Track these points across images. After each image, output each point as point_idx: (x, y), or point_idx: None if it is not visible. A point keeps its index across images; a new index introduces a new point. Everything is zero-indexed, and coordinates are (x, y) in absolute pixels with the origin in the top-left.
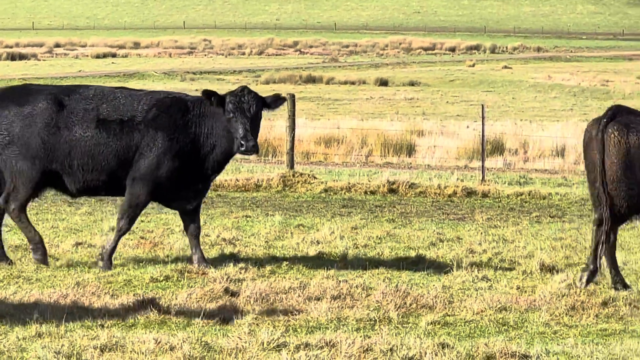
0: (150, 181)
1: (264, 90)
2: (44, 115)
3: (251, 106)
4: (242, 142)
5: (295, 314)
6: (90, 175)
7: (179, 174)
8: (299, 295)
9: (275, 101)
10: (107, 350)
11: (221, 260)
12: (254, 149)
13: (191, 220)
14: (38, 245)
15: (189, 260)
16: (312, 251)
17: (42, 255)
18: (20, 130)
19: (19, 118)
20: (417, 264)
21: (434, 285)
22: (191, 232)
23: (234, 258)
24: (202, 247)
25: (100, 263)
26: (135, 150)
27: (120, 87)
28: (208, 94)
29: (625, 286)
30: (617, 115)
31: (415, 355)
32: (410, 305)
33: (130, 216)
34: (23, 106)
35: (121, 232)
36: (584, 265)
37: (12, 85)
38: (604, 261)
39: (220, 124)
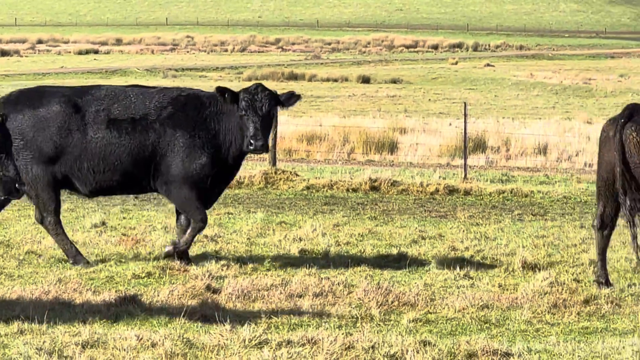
0: (187, 178)
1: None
2: (58, 118)
3: (264, 105)
4: (252, 141)
5: (277, 311)
6: (103, 176)
7: (209, 170)
8: (281, 293)
9: (289, 99)
10: (88, 346)
11: (203, 258)
12: (263, 148)
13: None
14: (77, 257)
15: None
16: (294, 248)
17: (85, 263)
18: (34, 134)
19: (33, 121)
20: (399, 261)
21: (415, 282)
22: (182, 224)
23: (216, 255)
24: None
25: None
26: (153, 150)
27: (132, 85)
28: (222, 90)
29: (608, 283)
30: (635, 114)
31: (397, 352)
32: (392, 302)
33: (196, 211)
34: (37, 109)
35: (195, 230)
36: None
37: (26, 88)
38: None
39: (235, 120)
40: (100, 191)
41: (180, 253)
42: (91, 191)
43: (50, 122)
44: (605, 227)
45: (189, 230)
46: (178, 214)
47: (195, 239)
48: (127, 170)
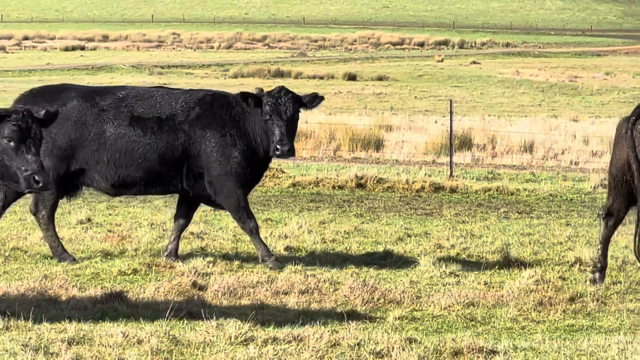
0: (229, 175)
1: (232, 85)
2: (74, 114)
3: (288, 108)
4: (278, 147)
5: (263, 308)
6: (124, 171)
7: (245, 166)
8: (267, 290)
9: (312, 100)
10: (74, 343)
11: (189, 254)
12: (289, 153)
13: (187, 213)
14: (63, 255)
15: (160, 252)
16: (280, 245)
17: (71, 260)
18: (50, 128)
19: None
20: (384, 259)
21: (401, 280)
22: (181, 224)
23: (202, 252)
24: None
25: (269, 264)
26: (183, 150)
27: (158, 86)
28: (245, 96)
29: (603, 271)
30: None
31: (382, 350)
32: (378, 300)
33: (245, 214)
34: (54, 104)
35: (254, 232)
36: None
37: (49, 85)
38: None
39: (259, 121)
40: (121, 188)
41: (263, 258)
42: (113, 185)
43: (67, 117)
44: (611, 217)
45: (250, 239)
46: (182, 212)
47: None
48: (149, 168)
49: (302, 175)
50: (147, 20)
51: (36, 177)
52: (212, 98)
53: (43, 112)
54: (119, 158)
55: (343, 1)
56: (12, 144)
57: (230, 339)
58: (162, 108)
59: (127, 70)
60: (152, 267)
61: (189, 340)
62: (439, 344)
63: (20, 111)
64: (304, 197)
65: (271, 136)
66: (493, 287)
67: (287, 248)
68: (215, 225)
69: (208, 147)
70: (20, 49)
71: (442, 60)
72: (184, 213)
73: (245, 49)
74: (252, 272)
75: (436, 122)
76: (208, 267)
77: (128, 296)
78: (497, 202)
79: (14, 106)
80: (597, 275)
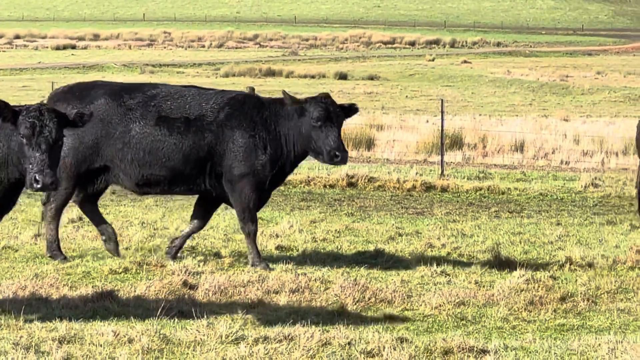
0: (249, 177)
1: (223, 84)
2: (101, 112)
3: (339, 116)
4: (337, 153)
5: (254, 307)
6: (149, 169)
7: (271, 170)
8: (258, 289)
9: (350, 111)
10: (65, 342)
11: (180, 253)
12: (345, 160)
13: (205, 215)
14: (55, 253)
15: (151, 250)
16: (270, 244)
17: (62, 259)
18: None
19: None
20: (375, 258)
21: (392, 279)
22: (197, 225)
23: (193, 251)
24: (161, 240)
25: (258, 268)
26: (209, 150)
27: (189, 85)
28: (295, 100)
29: None
30: None
31: (373, 349)
32: (369, 299)
33: (249, 218)
34: (83, 101)
35: (252, 236)
36: None
37: (80, 82)
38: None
39: (295, 126)
40: (147, 185)
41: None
42: (137, 184)
43: (94, 114)
44: None
45: (246, 241)
46: (199, 213)
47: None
48: (175, 168)
49: (293, 174)
50: (138, 19)
51: (36, 177)
52: (244, 98)
53: (74, 112)
54: (142, 157)
55: (334, 0)
56: (24, 140)
57: (221, 338)
58: (191, 108)
59: (119, 69)
60: (143, 266)
61: (179, 339)
62: (429, 343)
63: (36, 108)
64: (295, 196)
65: (322, 143)
66: (484, 287)
67: (278, 247)
68: (206, 225)
69: (235, 147)
70: (12, 48)
71: (433, 60)
72: (202, 214)
73: (236, 48)
74: (243, 271)
75: (427, 121)
76: (199, 266)
77: (119, 295)
78: (488, 201)
79: (46, 102)
80: None
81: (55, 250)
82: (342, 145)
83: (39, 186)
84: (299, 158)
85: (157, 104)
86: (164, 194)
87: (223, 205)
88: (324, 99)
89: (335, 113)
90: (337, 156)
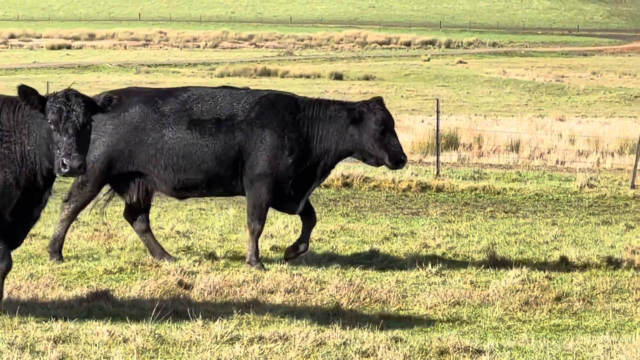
0: (269, 177)
1: (218, 84)
2: (135, 120)
3: (392, 120)
4: (403, 158)
5: (249, 307)
6: (182, 176)
7: (294, 172)
8: (253, 289)
9: None
10: (60, 341)
11: (175, 253)
12: (405, 163)
13: (309, 214)
14: (54, 252)
15: (145, 251)
16: (266, 245)
17: (58, 259)
18: (111, 131)
19: (113, 120)
20: (370, 258)
21: (387, 279)
22: (311, 223)
23: (188, 251)
24: (158, 240)
25: (253, 268)
26: (239, 149)
27: (222, 86)
28: (351, 105)
29: None
30: None
31: (368, 349)
32: (364, 299)
33: (258, 216)
34: (117, 109)
35: (255, 234)
36: None
37: (115, 90)
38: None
39: (340, 128)
40: (185, 189)
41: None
42: (174, 189)
43: (128, 122)
44: None
45: (249, 238)
46: (305, 215)
47: (259, 242)
48: (209, 170)
49: None
50: (134, 19)
51: (64, 161)
52: (275, 97)
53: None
54: (176, 162)
55: (329, 0)
56: (52, 126)
57: (216, 338)
58: (222, 109)
59: (114, 69)
60: (138, 266)
61: (174, 339)
62: (424, 343)
63: (63, 94)
64: None
65: (386, 147)
66: (479, 287)
67: (273, 247)
68: (201, 225)
69: (262, 146)
70: (7, 48)
71: (428, 60)
72: (307, 214)
73: (231, 48)
74: (238, 271)
75: (423, 121)
76: (194, 266)
77: (114, 295)
78: (484, 201)
79: None
80: None
81: (56, 249)
82: (402, 150)
83: (66, 170)
84: (338, 159)
85: (189, 108)
86: (203, 197)
87: (218, 204)
88: (379, 105)
89: (390, 119)
90: (403, 161)
